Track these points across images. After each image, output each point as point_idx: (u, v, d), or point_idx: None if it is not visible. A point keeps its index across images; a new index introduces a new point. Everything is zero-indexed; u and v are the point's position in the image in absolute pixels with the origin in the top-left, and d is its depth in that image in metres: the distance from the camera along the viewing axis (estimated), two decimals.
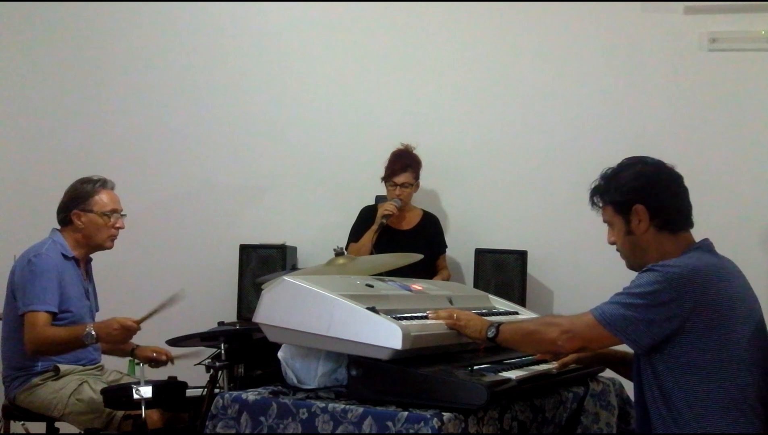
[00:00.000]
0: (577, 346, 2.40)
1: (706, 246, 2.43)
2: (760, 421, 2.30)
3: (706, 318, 2.25)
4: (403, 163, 4.70)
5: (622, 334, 2.28)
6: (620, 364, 2.74)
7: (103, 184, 3.73)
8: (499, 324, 2.50)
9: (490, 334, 2.48)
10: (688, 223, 2.48)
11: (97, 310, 3.85)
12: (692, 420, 2.25)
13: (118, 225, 3.72)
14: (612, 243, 2.53)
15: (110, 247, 3.77)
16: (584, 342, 2.39)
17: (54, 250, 3.60)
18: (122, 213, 3.75)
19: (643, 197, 2.43)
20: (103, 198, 3.68)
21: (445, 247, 4.83)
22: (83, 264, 3.77)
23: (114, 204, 3.71)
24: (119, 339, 3.49)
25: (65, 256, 3.63)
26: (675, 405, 2.27)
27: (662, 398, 2.30)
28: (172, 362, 3.74)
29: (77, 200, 3.68)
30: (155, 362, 3.73)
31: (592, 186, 2.55)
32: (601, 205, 2.53)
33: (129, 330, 3.43)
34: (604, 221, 2.54)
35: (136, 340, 3.64)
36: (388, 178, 4.71)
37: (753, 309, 2.37)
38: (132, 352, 3.80)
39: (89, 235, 3.68)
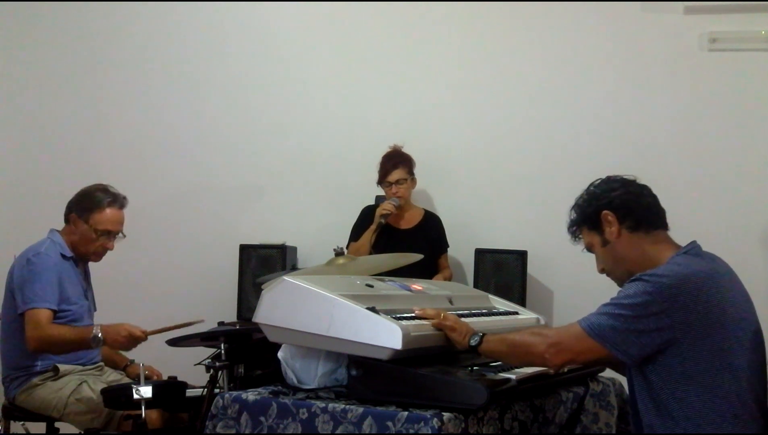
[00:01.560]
0: (566, 359, 2.36)
1: (694, 250, 2.41)
2: (759, 428, 2.28)
3: (698, 327, 2.22)
4: (394, 162, 4.71)
5: (611, 345, 2.26)
6: (620, 363, 2.73)
7: (113, 201, 3.68)
8: (484, 334, 2.45)
9: (473, 342, 2.43)
10: (662, 223, 2.49)
11: (95, 310, 3.85)
12: (690, 430, 2.23)
13: (106, 246, 3.69)
14: (602, 271, 2.56)
15: (95, 261, 3.77)
16: (573, 355, 2.35)
17: (53, 249, 3.61)
18: (120, 235, 3.71)
19: (606, 203, 2.48)
20: (105, 215, 3.64)
21: (447, 246, 4.83)
22: (81, 264, 3.77)
23: (111, 225, 3.67)
24: (124, 346, 3.47)
25: (64, 256, 3.64)
26: (672, 416, 2.25)
27: (656, 409, 2.29)
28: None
29: (81, 205, 3.67)
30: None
31: (567, 225, 2.61)
32: (578, 233, 2.58)
33: (136, 339, 3.41)
34: (587, 249, 2.58)
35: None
36: (382, 179, 4.72)
37: (747, 312, 2.35)
38: (124, 368, 3.80)
39: (77, 243, 3.68)
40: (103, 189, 3.71)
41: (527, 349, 2.38)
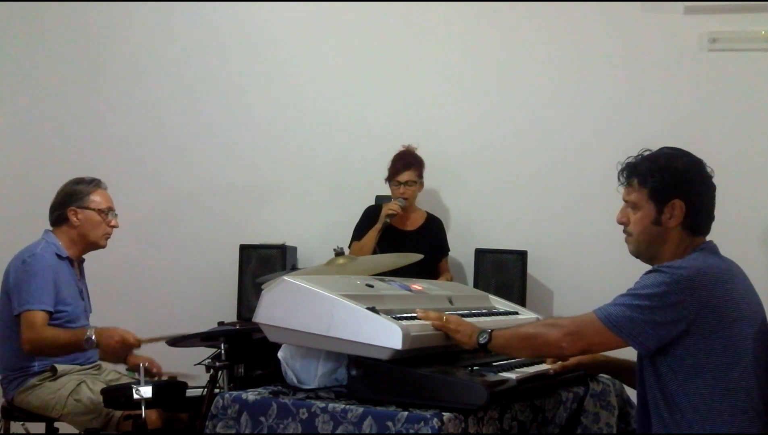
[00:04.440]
0: (582, 348, 2.36)
1: (710, 248, 2.42)
2: (764, 425, 2.29)
3: (712, 320, 2.23)
4: (406, 162, 4.71)
5: (628, 336, 2.25)
6: (620, 370, 2.72)
7: (97, 184, 3.77)
8: (492, 330, 2.43)
9: (482, 340, 2.40)
10: (708, 230, 2.46)
11: (91, 311, 3.85)
12: (696, 423, 2.23)
13: (113, 223, 3.75)
14: (622, 222, 2.47)
15: (104, 246, 3.79)
16: (589, 344, 2.35)
17: (48, 250, 3.61)
18: (116, 212, 3.78)
19: (686, 195, 2.38)
20: (98, 195, 3.73)
21: (448, 250, 4.84)
22: (77, 264, 3.77)
23: (108, 202, 3.76)
24: (116, 351, 3.48)
25: (59, 256, 3.63)
26: (680, 408, 2.25)
27: (664, 401, 2.29)
28: (159, 377, 3.67)
29: (73, 198, 3.70)
30: (147, 372, 3.65)
31: (629, 161, 2.47)
32: (633, 184, 2.44)
33: (128, 345, 3.44)
34: (626, 200, 2.46)
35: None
36: (391, 177, 4.72)
37: (757, 311, 2.36)
38: (124, 359, 3.80)
39: (85, 233, 3.69)
40: (80, 179, 3.78)
41: (543, 340, 2.37)
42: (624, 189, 2.48)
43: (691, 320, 2.23)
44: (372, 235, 4.55)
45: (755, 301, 2.37)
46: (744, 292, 2.34)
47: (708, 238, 2.45)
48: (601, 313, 2.29)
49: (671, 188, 2.38)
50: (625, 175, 2.47)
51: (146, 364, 3.57)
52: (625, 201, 2.47)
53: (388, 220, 4.57)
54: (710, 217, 2.45)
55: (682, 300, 2.23)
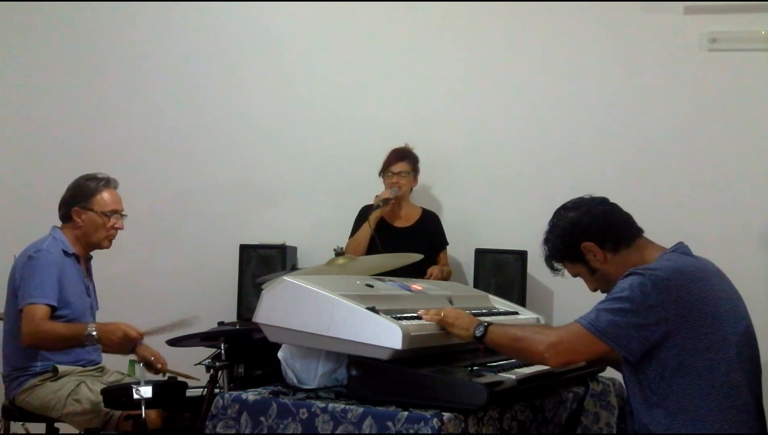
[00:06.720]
0: (564, 360, 2.37)
1: (682, 249, 2.45)
2: (754, 419, 2.30)
3: (692, 319, 2.25)
4: (400, 155, 4.77)
5: (613, 341, 2.27)
6: (620, 362, 2.73)
7: (107, 183, 3.72)
8: (489, 324, 2.45)
9: (478, 332, 2.43)
10: (637, 230, 2.51)
11: (97, 308, 3.85)
12: (688, 423, 2.24)
13: (117, 226, 3.71)
14: (595, 290, 2.55)
15: (107, 247, 3.76)
16: (573, 354, 2.36)
17: (55, 246, 3.59)
18: (123, 213, 3.75)
19: (580, 235, 2.48)
20: (104, 197, 3.67)
21: (446, 243, 4.83)
22: (84, 261, 3.76)
23: (115, 204, 3.71)
24: (118, 347, 3.44)
25: (66, 253, 3.62)
26: (668, 409, 2.26)
27: (648, 407, 2.30)
28: (164, 374, 3.65)
29: (79, 197, 3.67)
30: (149, 366, 3.62)
31: (544, 256, 2.59)
32: (560, 265, 2.57)
33: (131, 341, 3.40)
34: (574, 276, 2.58)
35: None
36: (384, 169, 4.76)
37: (737, 307, 2.38)
38: (133, 349, 3.78)
39: (87, 234, 3.68)
40: (91, 176, 3.73)
41: (527, 347, 2.38)
42: (566, 271, 2.60)
43: (671, 321, 2.24)
44: (364, 232, 4.56)
45: (734, 298, 2.39)
46: (721, 289, 2.36)
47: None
48: (583, 320, 2.32)
49: (568, 242, 2.50)
50: (551, 266, 2.59)
51: (151, 358, 3.59)
52: (575, 275, 2.58)
53: (382, 204, 4.58)
54: (622, 224, 2.50)
55: (661, 302, 2.24)
